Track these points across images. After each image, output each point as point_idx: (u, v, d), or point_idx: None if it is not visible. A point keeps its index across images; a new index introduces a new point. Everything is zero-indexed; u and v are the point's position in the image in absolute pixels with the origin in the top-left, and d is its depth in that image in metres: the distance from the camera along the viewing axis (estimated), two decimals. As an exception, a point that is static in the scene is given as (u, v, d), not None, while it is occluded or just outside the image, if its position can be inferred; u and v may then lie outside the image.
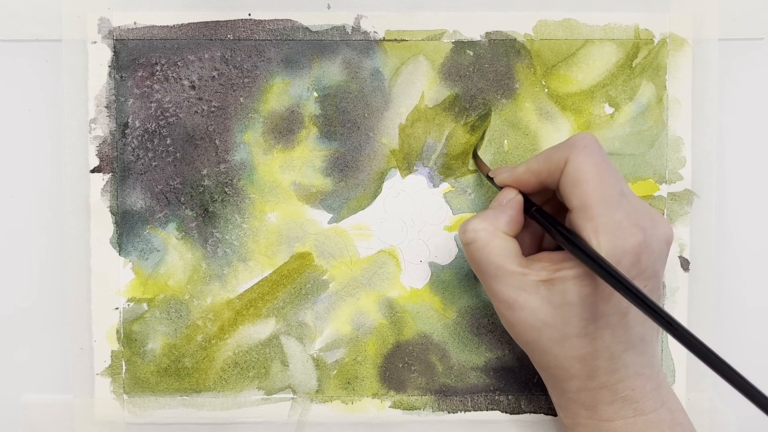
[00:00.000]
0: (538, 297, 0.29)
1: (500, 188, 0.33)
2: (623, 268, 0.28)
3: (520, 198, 0.32)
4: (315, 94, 0.36)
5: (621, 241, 0.28)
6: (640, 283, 0.29)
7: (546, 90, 0.36)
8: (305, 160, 0.36)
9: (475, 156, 0.36)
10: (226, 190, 0.36)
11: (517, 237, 0.31)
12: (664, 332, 0.32)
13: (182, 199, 0.36)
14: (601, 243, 0.28)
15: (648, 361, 0.30)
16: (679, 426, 0.31)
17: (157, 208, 0.36)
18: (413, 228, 0.36)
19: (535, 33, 0.36)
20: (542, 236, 0.34)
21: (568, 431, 0.32)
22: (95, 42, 0.35)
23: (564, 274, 0.29)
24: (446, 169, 0.36)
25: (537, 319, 0.29)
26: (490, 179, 0.34)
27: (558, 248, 0.32)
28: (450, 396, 0.36)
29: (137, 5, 0.35)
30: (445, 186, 0.36)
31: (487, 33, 0.36)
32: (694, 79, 0.36)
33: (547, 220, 0.31)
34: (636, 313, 0.29)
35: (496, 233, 0.30)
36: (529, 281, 0.29)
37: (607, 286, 0.28)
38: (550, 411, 0.37)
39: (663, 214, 0.36)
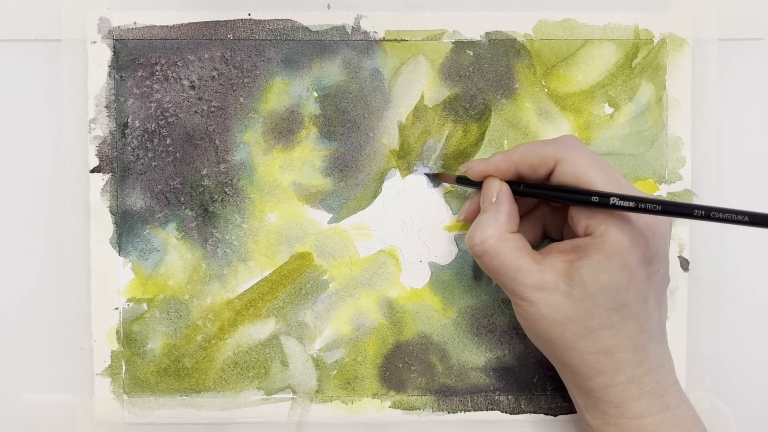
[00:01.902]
0: (559, 292, 0.29)
1: (475, 185, 0.33)
2: (637, 252, 0.28)
3: (506, 186, 0.32)
4: (315, 94, 0.36)
5: (630, 225, 0.28)
6: (655, 266, 0.29)
7: (546, 90, 0.36)
8: (305, 160, 0.36)
9: (435, 176, 0.36)
10: (226, 190, 0.36)
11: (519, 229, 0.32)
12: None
13: (182, 199, 0.36)
14: (611, 229, 0.28)
15: (667, 354, 0.31)
16: (701, 424, 0.31)
17: (157, 208, 0.36)
18: (413, 228, 0.36)
19: (535, 33, 0.36)
20: (541, 221, 0.34)
21: None
22: (95, 42, 0.35)
23: (580, 264, 0.29)
24: (446, 169, 0.36)
25: (560, 314, 0.29)
26: (463, 181, 0.34)
27: (561, 239, 0.32)
28: (450, 396, 0.36)
29: (137, 5, 0.35)
30: (445, 186, 0.36)
31: (487, 33, 0.36)
32: (694, 79, 0.36)
33: (542, 189, 0.31)
34: (654, 300, 0.30)
35: (503, 236, 0.30)
36: (548, 278, 0.29)
37: (626, 273, 0.28)
38: (550, 411, 0.37)
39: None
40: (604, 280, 0.28)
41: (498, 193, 0.31)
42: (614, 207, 0.28)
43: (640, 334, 0.29)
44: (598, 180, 0.29)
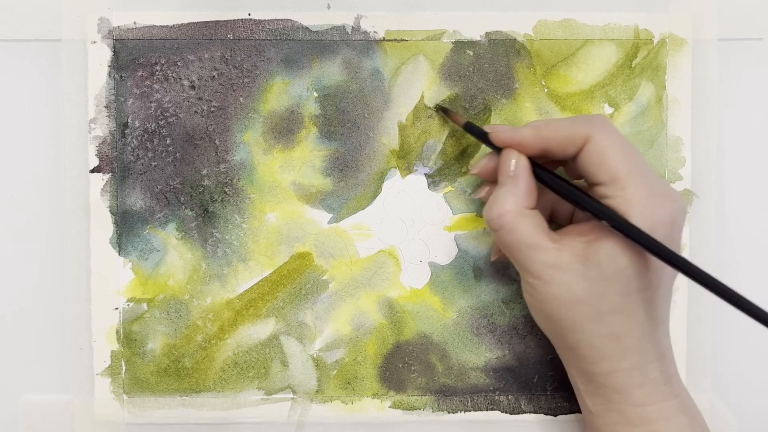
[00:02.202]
0: (574, 273, 0.29)
1: (491, 145, 0.32)
2: (659, 237, 0.28)
3: (526, 161, 0.31)
4: (315, 94, 0.36)
5: (654, 209, 0.28)
6: None
7: (546, 90, 0.36)
8: (305, 160, 0.36)
9: (445, 110, 0.35)
10: (226, 190, 0.36)
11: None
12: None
13: (182, 199, 0.36)
14: (635, 212, 0.28)
15: (669, 344, 0.31)
16: (700, 415, 0.31)
17: (157, 208, 0.36)
18: (413, 228, 0.36)
19: (535, 33, 0.36)
20: (550, 204, 0.34)
21: (595, 418, 0.31)
22: (95, 42, 0.35)
23: (599, 246, 0.29)
24: (446, 169, 0.36)
25: (572, 294, 0.29)
26: (472, 130, 0.33)
27: (576, 221, 0.32)
28: (450, 396, 0.36)
29: (137, 5, 0.35)
30: (445, 186, 0.36)
31: (487, 33, 0.36)
32: (694, 79, 0.36)
33: (558, 180, 0.30)
34: (664, 290, 0.30)
35: (521, 212, 0.30)
36: (564, 257, 0.29)
37: (643, 259, 0.28)
38: (550, 411, 0.37)
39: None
40: (622, 263, 0.28)
41: (516, 166, 0.31)
42: (625, 235, 0.28)
43: (649, 322, 0.29)
44: (621, 167, 0.29)
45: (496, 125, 0.32)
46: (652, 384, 0.30)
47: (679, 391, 0.31)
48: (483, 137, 0.32)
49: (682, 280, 0.36)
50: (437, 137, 0.36)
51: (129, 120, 0.35)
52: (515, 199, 0.30)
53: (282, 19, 0.35)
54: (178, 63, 0.35)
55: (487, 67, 0.36)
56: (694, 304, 0.36)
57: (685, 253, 0.36)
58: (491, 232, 0.31)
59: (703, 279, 0.27)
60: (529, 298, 0.31)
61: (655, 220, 0.28)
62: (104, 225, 0.36)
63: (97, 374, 0.36)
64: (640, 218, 0.28)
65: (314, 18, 0.35)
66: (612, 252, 0.28)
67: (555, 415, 0.37)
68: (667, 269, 0.29)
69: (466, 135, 0.36)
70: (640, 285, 0.29)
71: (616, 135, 0.30)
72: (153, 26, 0.35)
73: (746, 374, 0.38)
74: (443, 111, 0.35)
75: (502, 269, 0.36)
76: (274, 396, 0.36)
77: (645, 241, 0.27)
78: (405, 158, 0.36)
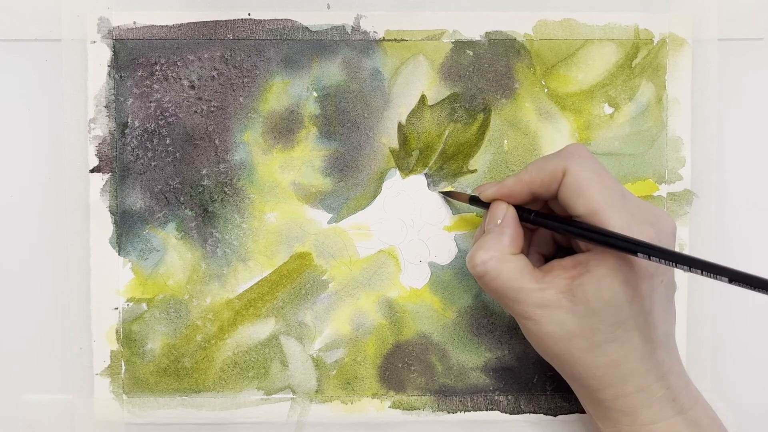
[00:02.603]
0: (562, 310, 0.29)
1: (485, 207, 0.33)
2: (642, 264, 0.28)
3: (513, 210, 0.32)
4: (315, 94, 0.36)
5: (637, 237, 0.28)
6: (658, 278, 0.29)
7: (546, 90, 0.36)
8: (305, 160, 0.36)
9: (448, 194, 0.36)
10: (226, 190, 0.36)
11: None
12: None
13: (182, 198, 0.36)
14: None
15: (676, 358, 0.31)
16: (714, 422, 0.31)
17: (157, 207, 0.36)
18: (413, 228, 0.36)
19: (535, 33, 0.36)
20: (546, 245, 0.34)
21: None
22: (95, 42, 0.35)
23: (582, 281, 0.29)
24: (446, 169, 0.36)
25: (565, 330, 0.29)
26: (475, 201, 0.33)
27: (563, 255, 0.32)
28: (449, 396, 0.36)
29: (137, 5, 0.35)
30: (445, 186, 0.36)
31: (486, 33, 0.36)
32: (694, 79, 0.36)
33: (552, 220, 0.31)
34: (659, 310, 0.30)
35: (504, 258, 0.30)
36: (550, 296, 0.29)
37: (629, 287, 0.28)
38: (550, 411, 0.37)
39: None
40: (607, 296, 0.28)
41: (504, 216, 0.31)
42: (617, 248, 0.28)
43: (646, 345, 0.29)
44: (598, 198, 0.29)
45: (483, 185, 0.33)
46: (659, 402, 0.30)
47: (692, 404, 0.30)
48: (479, 202, 0.33)
49: (681, 281, 0.36)
50: (437, 137, 0.36)
51: (129, 120, 0.35)
52: (499, 246, 0.30)
53: (282, 19, 0.35)
54: (178, 63, 0.35)
55: (486, 67, 0.36)
56: (694, 304, 0.36)
57: (686, 253, 0.36)
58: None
59: (716, 269, 0.26)
60: (528, 337, 0.31)
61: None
62: (104, 225, 0.35)
63: (97, 374, 0.36)
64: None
65: (314, 18, 0.35)
66: (596, 286, 0.28)
67: (555, 415, 0.37)
68: (659, 289, 0.30)
69: (466, 135, 0.36)
70: (630, 312, 0.29)
71: (591, 164, 0.30)
72: (153, 26, 0.35)
73: (746, 374, 0.38)
74: (447, 195, 0.36)
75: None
76: (273, 396, 0.36)
77: (649, 251, 0.27)
78: (405, 158, 0.36)
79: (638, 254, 0.27)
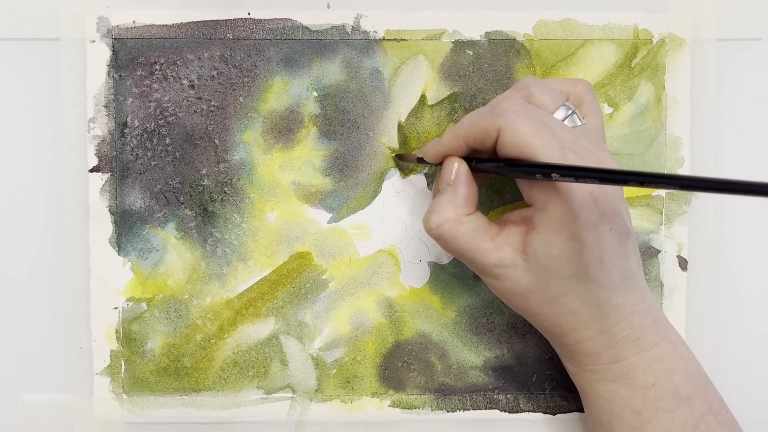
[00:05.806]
0: (518, 268, 0.30)
1: (435, 165, 0.33)
2: (582, 218, 0.28)
3: (464, 166, 0.31)
4: (315, 94, 0.36)
5: (574, 192, 0.28)
6: (605, 226, 0.29)
7: (545, 90, 0.36)
8: (305, 159, 0.36)
9: (400, 156, 0.36)
10: (226, 189, 0.36)
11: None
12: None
13: (181, 198, 0.36)
14: (553, 198, 0.28)
15: (639, 297, 0.31)
16: (683, 358, 0.31)
17: (156, 207, 0.36)
18: (413, 228, 0.36)
19: (535, 33, 0.36)
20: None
21: (575, 377, 0.33)
22: (94, 41, 0.35)
23: (530, 239, 0.29)
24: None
25: (521, 287, 0.30)
26: (422, 160, 0.33)
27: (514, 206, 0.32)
28: (449, 395, 0.37)
29: (136, 4, 0.35)
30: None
31: (486, 33, 0.36)
32: (693, 79, 0.36)
33: (491, 165, 0.30)
34: (611, 256, 0.29)
35: (459, 219, 0.30)
36: (505, 254, 0.30)
37: (574, 240, 0.28)
38: (549, 410, 0.37)
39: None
40: (555, 252, 0.29)
41: (456, 173, 0.31)
42: (558, 180, 0.27)
43: (603, 291, 0.30)
44: (539, 150, 0.28)
45: (423, 147, 0.34)
46: (621, 343, 0.30)
47: (657, 341, 0.31)
48: (423, 161, 0.33)
49: (680, 281, 0.36)
50: (437, 137, 0.36)
51: (128, 119, 0.35)
52: (452, 207, 0.31)
53: (282, 19, 0.35)
54: (178, 62, 0.35)
55: (486, 67, 0.36)
56: (693, 303, 0.36)
57: (684, 253, 0.36)
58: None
59: (696, 183, 0.24)
60: (492, 291, 0.32)
61: (579, 202, 0.28)
62: (103, 224, 0.35)
63: (97, 374, 0.36)
64: (559, 203, 0.28)
65: (314, 17, 0.35)
66: (543, 243, 0.29)
67: (554, 414, 0.37)
68: (607, 237, 0.29)
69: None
70: (580, 264, 0.29)
71: (527, 120, 0.29)
72: (152, 25, 0.35)
73: (746, 374, 0.38)
74: (399, 158, 0.36)
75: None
76: (273, 395, 0.36)
77: (584, 176, 0.26)
78: (405, 158, 0.36)
79: (579, 181, 0.26)
